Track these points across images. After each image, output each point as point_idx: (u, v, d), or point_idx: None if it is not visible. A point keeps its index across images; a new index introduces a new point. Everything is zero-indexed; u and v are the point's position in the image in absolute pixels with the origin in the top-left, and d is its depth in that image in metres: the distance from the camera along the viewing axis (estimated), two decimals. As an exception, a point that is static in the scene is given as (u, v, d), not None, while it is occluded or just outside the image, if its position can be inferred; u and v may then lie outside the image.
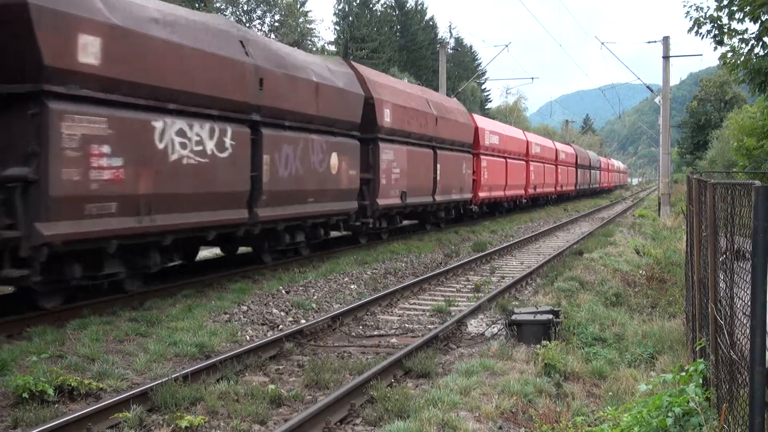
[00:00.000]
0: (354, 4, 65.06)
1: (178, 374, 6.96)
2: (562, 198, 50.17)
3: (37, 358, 7.60)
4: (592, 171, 64.30)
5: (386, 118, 18.85)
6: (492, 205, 32.41)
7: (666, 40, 33.17)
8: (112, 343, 8.58)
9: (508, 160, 32.79)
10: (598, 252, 17.93)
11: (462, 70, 77.07)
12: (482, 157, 28.66)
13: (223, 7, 50.44)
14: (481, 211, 30.43)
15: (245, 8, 51.65)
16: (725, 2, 13.98)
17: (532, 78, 48.52)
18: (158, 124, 10.51)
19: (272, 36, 50.42)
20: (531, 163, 37.80)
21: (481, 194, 28.42)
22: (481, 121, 30.33)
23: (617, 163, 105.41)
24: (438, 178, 22.93)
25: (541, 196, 41.98)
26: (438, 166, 23.02)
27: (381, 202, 18.67)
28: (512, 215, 34.97)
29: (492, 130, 30.90)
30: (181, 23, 11.16)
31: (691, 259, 8.11)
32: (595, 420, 5.88)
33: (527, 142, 37.71)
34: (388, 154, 19.02)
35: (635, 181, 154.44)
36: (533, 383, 6.95)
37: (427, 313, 11.06)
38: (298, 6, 52.24)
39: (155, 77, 10.38)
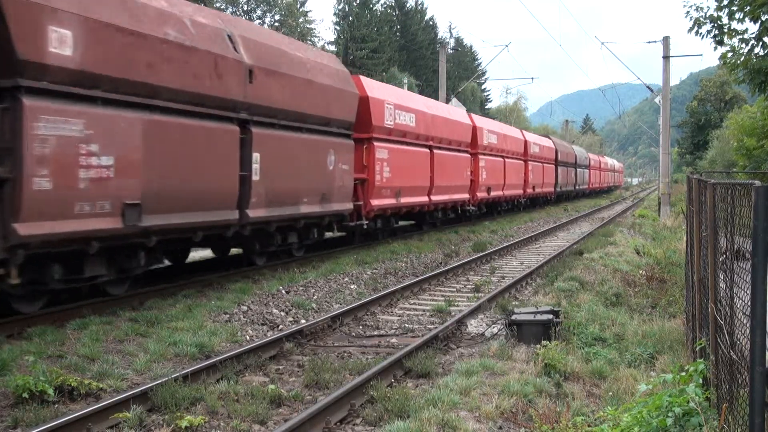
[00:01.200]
0: (354, 4, 65.06)
1: (178, 374, 6.96)
2: (535, 202, 40.98)
3: (34, 358, 7.59)
4: (579, 169, 55.34)
5: (57, 45, 8.83)
6: (407, 216, 22.63)
7: (666, 40, 33.19)
8: (112, 343, 8.58)
9: (437, 152, 22.95)
10: (598, 252, 17.94)
11: (462, 70, 77.16)
12: (378, 145, 18.65)
13: (223, 6, 50.47)
14: (386, 227, 20.57)
15: (245, 8, 51.68)
16: (725, 2, 14.00)
17: (532, 78, 48.61)
18: None
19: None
20: (482, 157, 28.32)
21: (377, 202, 18.51)
22: (378, 89, 19.52)
23: (611, 162, 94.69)
24: (256, 178, 12.79)
25: (500, 201, 32.18)
26: (256, 156, 12.74)
27: (28, 230, 8.49)
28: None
29: (399, 104, 20.09)
30: None
31: (691, 259, 8.11)
32: (595, 420, 5.88)
33: (474, 127, 27.85)
34: (64, 127, 8.91)
35: (635, 181, 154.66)
36: (533, 383, 6.95)
37: (427, 313, 11.06)
38: (298, 6, 52.27)
39: None
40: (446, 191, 24.02)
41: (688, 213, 9.43)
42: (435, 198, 22.96)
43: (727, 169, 34.07)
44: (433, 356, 8.18)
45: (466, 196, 26.45)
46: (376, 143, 18.59)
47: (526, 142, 36.91)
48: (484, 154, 28.92)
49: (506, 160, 32.27)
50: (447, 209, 25.49)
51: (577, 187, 55.08)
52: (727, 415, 4.43)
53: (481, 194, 28.26)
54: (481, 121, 30.13)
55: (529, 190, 37.23)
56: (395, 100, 20.11)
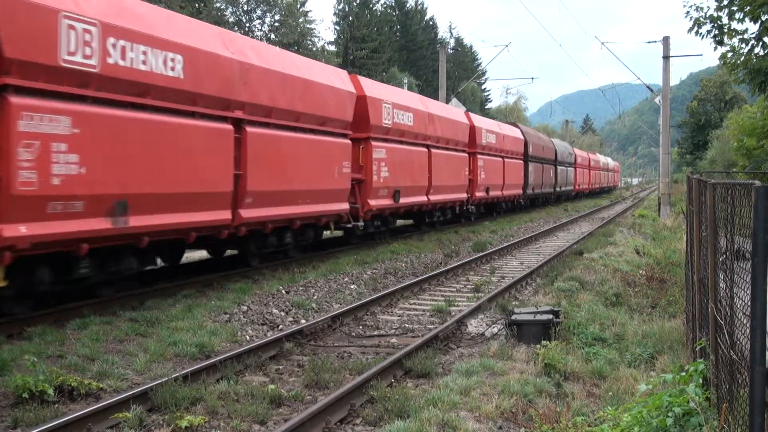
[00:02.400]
0: (354, 4, 65.07)
1: (178, 374, 6.96)
2: (492, 208, 32.30)
3: (34, 358, 7.58)
4: (560, 168, 46.28)
5: None
6: (157, 249, 11.87)
7: (666, 40, 33.21)
8: (112, 343, 8.58)
9: (255, 131, 12.90)
10: (598, 252, 17.93)
11: (462, 70, 77.17)
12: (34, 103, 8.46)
13: (223, 7, 50.48)
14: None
15: (245, 8, 51.68)
16: (725, 2, 14.01)
17: (532, 78, 48.59)
18: None
19: (272, 36, 50.52)
20: (378, 145, 18.38)
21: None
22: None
23: (605, 160, 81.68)
24: None
25: (422, 209, 22.32)
26: None
27: None
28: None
29: (125, 28, 9.90)
30: None
31: (691, 259, 8.12)
32: (595, 420, 5.88)
33: (360, 98, 17.48)
34: None
35: (635, 181, 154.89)
36: (533, 383, 6.95)
37: (427, 313, 11.06)
38: (298, 6, 52.26)
39: None
40: (296, 199, 14.29)
41: (688, 213, 9.43)
42: (251, 214, 12.79)
43: (727, 169, 34.11)
44: (433, 356, 8.17)
45: (342, 206, 16.54)
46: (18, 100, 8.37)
47: (473, 128, 27.46)
48: (384, 141, 18.92)
49: (433, 151, 22.50)
50: (297, 228, 15.05)
51: (558, 189, 45.79)
52: (727, 415, 4.43)
53: (379, 202, 18.43)
54: (375, 89, 19.26)
55: (480, 194, 27.87)
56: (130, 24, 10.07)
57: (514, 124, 38.92)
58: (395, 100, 19.92)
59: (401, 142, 20.14)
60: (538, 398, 6.65)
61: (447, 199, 24.03)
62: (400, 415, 6.09)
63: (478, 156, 27.81)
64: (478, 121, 29.30)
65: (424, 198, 21.75)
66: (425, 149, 22.00)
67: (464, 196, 26.14)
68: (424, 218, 23.63)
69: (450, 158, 24.35)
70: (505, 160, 31.81)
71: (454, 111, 27.06)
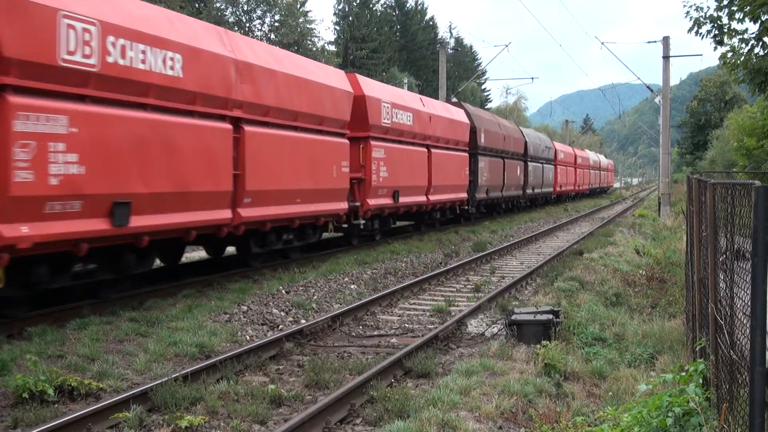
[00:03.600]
0: (354, 4, 65.09)
1: (178, 374, 6.96)
2: (415, 219, 23.50)
3: (34, 358, 7.58)
4: (532, 164, 37.33)
5: None
6: None
7: (666, 40, 33.21)
8: (112, 343, 8.58)
9: None
10: (598, 252, 17.93)
11: (462, 70, 77.20)
12: None
13: (223, 7, 50.48)
14: None
15: (245, 8, 51.68)
16: (725, 2, 14.01)
17: (532, 78, 48.29)
18: None
19: (272, 36, 50.52)
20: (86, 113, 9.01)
21: None
22: None
23: (595, 157, 69.60)
24: None
25: (222, 234, 12.23)
26: None
27: None
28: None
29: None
30: None
31: (691, 259, 8.12)
32: (595, 420, 5.89)
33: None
34: None
35: (635, 181, 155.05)
36: (533, 383, 6.95)
37: (427, 313, 11.06)
38: (298, 6, 52.25)
39: None
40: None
41: (688, 213, 9.43)
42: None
43: (727, 169, 34.10)
44: (433, 356, 8.18)
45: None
46: None
47: (363, 98, 17.74)
48: (95, 106, 9.36)
49: (248, 129, 12.64)
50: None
51: (529, 191, 37.07)
52: (727, 415, 4.43)
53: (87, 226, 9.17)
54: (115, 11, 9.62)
55: (378, 201, 18.54)
56: None
57: (459, 104, 28.27)
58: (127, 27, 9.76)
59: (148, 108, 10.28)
60: (538, 398, 6.65)
61: (293, 212, 14.34)
62: (400, 415, 6.09)
63: (373, 144, 18.22)
64: (375, 89, 19.05)
65: (226, 214, 12.17)
66: (227, 125, 12.18)
67: (342, 206, 16.57)
68: (248, 247, 14.11)
69: (307, 145, 14.78)
70: (434, 151, 22.51)
71: (318, 68, 16.19)
